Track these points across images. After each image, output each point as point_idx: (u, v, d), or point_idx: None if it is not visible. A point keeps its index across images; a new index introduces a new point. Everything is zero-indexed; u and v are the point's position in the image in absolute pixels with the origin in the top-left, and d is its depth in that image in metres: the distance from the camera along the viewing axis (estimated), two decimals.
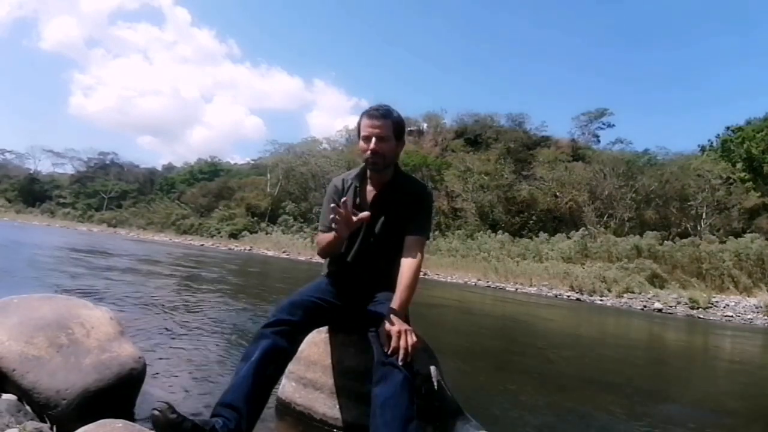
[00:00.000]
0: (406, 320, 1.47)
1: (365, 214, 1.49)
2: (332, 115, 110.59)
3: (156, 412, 1.09)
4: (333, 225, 1.50)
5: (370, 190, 1.70)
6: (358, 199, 1.69)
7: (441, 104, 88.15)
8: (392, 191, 1.68)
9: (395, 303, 1.47)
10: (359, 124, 1.64)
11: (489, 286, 17.40)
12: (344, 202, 1.49)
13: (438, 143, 41.51)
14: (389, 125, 1.62)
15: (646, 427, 2.37)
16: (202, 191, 44.89)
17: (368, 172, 1.70)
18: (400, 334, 1.35)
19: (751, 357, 6.28)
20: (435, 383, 1.65)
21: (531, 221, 29.80)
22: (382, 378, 1.32)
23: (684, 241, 20.65)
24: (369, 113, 1.62)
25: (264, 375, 1.35)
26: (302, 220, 35.36)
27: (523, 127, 40.52)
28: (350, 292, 1.68)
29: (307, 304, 1.54)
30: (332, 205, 1.52)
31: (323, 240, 1.67)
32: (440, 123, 44.04)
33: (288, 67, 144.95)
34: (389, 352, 1.33)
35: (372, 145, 1.58)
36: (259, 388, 1.33)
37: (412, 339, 1.35)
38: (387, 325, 1.38)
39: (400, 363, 1.31)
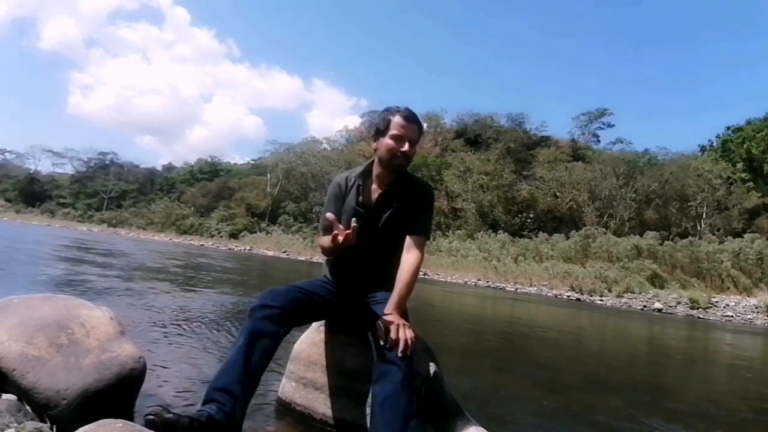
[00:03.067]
0: (405, 316, 1.47)
1: (352, 229, 1.44)
2: (331, 115, 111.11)
3: (151, 417, 1.09)
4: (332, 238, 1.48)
5: (374, 189, 1.70)
6: (361, 198, 1.69)
7: (441, 104, 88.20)
8: (397, 190, 1.67)
9: (393, 298, 1.48)
10: (388, 121, 1.63)
11: (489, 286, 17.40)
12: (353, 226, 1.44)
13: (438, 143, 41.53)
14: (418, 131, 1.66)
15: (646, 428, 2.37)
16: (202, 191, 44.93)
17: (373, 170, 1.70)
18: (398, 327, 1.36)
19: (751, 357, 6.28)
20: (434, 381, 1.65)
21: (531, 221, 29.80)
22: (381, 376, 1.31)
23: (684, 241, 20.65)
24: (405, 115, 1.63)
25: (252, 358, 1.34)
26: (302, 220, 35.40)
27: (523, 127, 40.60)
28: (349, 290, 1.68)
29: (292, 293, 1.53)
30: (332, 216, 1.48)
31: (324, 243, 1.66)
32: (440, 123, 44.09)
33: (287, 67, 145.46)
34: (388, 345, 1.33)
35: (406, 147, 1.60)
36: (249, 370, 1.33)
37: (410, 333, 1.36)
38: (385, 319, 1.39)
39: (400, 355, 1.31)
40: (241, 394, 1.28)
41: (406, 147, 1.60)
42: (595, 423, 2.36)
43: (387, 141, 1.62)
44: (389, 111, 1.66)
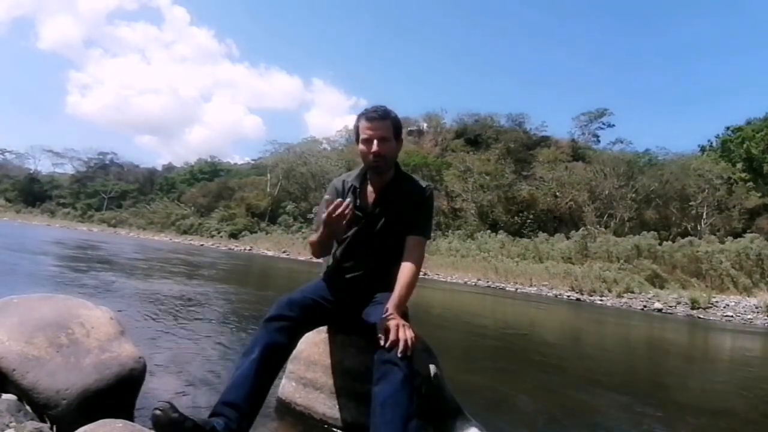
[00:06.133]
0: (405, 317, 1.47)
1: (346, 203, 1.46)
2: (331, 115, 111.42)
3: (158, 412, 1.10)
4: (323, 219, 1.49)
5: (370, 192, 1.69)
6: (358, 201, 1.67)
7: (441, 104, 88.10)
8: (393, 192, 1.66)
9: (393, 299, 1.48)
10: (357, 127, 1.63)
11: (489, 286, 17.39)
12: (347, 203, 1.46)
13: (438, 143, 41.51)
14: (389, 126, 1.60)
15: (646, 427, 2.37)
16: (202, 191, 44.88)
17: (368, 173, 1.69)
18: (398, 327, 1.35)
19: (750, 357, 6.28)
20: (434, 381, 1.65)
21: (531, 221, 29.80)
22: (382, 376, 1.31)
23: (683, 241, 20.63)
24: (367, 116, 1.60)
25: (264, 372, 1.36)
26: (302, 220, 35.36)
27: (523, 127, 40.58)
28: (349, 293, 1.68)
29: (306, 302, 1.54)
30: (331, 200, 1.49)
31: (313, 238, 1.64)
32: (440, 123, 44.06)
33: (287, 67, 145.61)
34: (388, 345, 1.33)
35: (374, 147, 1.57)
36: (260, 385, 1.34)
37: (410, 333, 1.36)
38: (385, 320, 1.39)
39: (400, 355, 1.31)
40: (249, 409, 1.29)
41: (374, 147, 1.57)
42: (595, 423, 2.36)
43: (360, 147, 1.63)
44: (359, 115, 1.64)
